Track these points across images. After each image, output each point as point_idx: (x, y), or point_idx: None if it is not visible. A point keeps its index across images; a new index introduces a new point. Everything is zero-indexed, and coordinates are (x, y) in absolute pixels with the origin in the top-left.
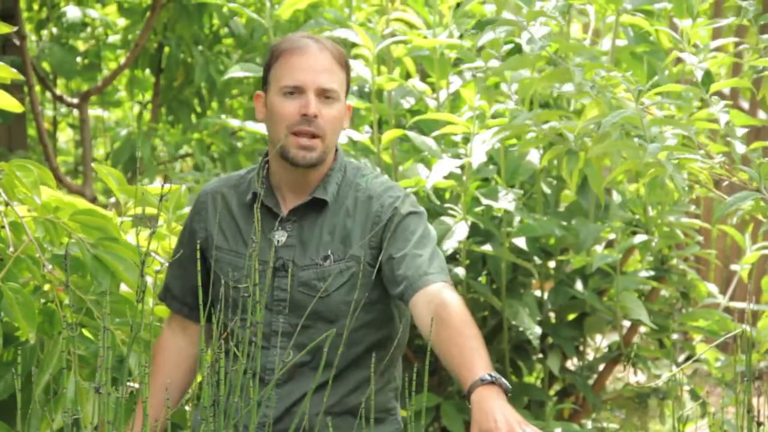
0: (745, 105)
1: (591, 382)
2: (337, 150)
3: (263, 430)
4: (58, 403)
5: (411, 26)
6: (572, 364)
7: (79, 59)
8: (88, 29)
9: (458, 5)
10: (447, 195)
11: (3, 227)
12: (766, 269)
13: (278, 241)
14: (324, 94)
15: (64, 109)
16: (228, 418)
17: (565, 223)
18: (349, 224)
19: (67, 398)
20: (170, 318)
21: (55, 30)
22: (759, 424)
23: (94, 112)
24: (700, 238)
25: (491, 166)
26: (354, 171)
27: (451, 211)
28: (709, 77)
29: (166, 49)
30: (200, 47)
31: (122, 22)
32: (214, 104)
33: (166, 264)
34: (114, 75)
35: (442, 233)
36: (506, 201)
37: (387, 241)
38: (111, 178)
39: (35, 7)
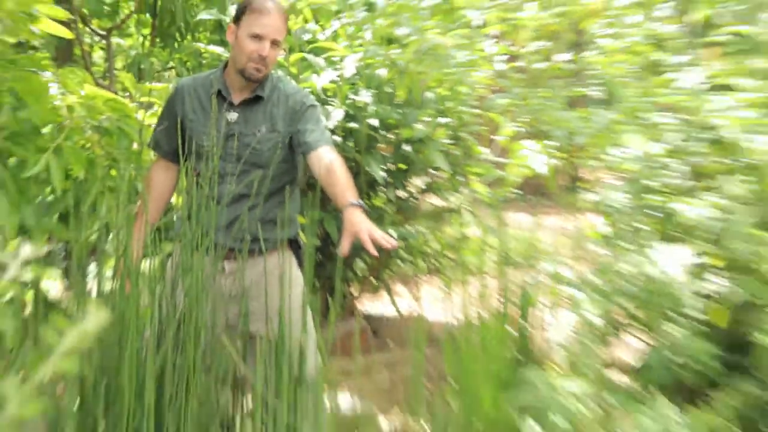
0: None
1: (412, 204)
2: None
3: (220, 232)
4: (95, 216)
5: None
6: (402, 193)
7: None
8: None
9: None
10: (330, 93)
11: (62, 107)
12: (515, 138)
13: (230, 119)
14: (274, 43)
15: (96, 38)
16: (198, 224)
17: (400, 111)
18: (275, 111)
19: (102, 213)
20: (157, 160)
21: None
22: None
23: (115, 40)
24: (481, 121)
25: (357, 76)
26: (276, 79)
27: (332, 102)
28: None
29: (159, 1)
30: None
31: None
32: (189, 36)
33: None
34: (127, 17)
35: (327, 115)
36: (366, 97)
37: (297, 121)
38: (127, 80)
39: None
